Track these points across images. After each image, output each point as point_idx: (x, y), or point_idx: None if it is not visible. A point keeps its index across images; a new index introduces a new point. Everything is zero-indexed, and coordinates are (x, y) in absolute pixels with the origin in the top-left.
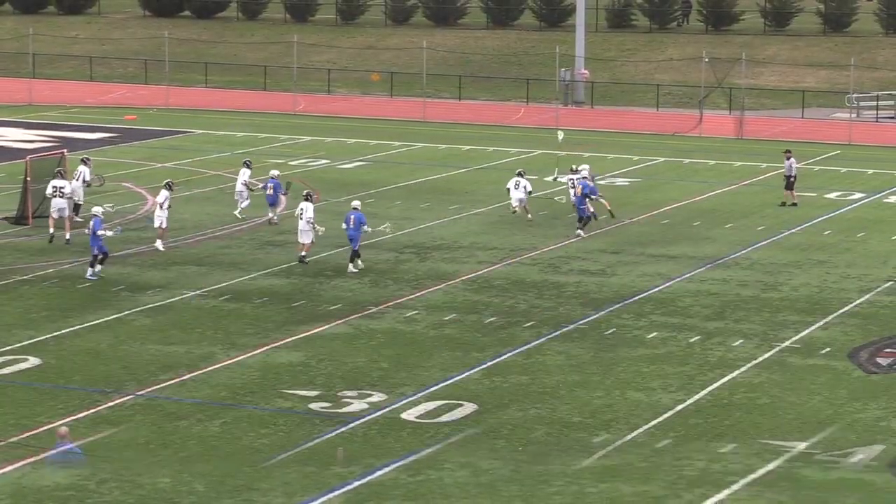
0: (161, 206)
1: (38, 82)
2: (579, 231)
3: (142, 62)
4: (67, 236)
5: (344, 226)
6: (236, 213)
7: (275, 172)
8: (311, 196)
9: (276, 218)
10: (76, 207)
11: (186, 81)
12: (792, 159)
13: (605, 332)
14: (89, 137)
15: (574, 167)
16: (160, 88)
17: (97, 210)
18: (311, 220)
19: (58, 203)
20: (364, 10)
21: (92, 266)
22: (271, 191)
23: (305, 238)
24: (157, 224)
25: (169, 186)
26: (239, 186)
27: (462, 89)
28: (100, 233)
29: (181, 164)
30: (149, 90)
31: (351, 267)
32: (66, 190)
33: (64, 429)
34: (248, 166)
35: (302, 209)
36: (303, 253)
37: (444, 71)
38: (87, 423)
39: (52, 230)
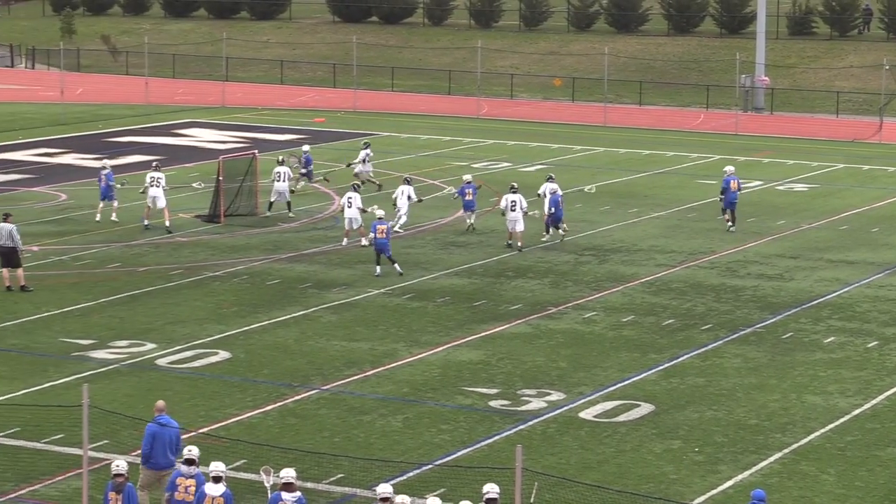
0: (349, 206)
1: (231, 85)
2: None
3: (330, 66)
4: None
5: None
6: (397, 227)
7: (468, 177)
8: (515, 187)
9: (473, 224)
10: (271, 204)
11: (373, 85)
12: None
13: (783, 335)
14: (279, 139)
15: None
16: (348, 92)
17: (382, 213)
18: (525, 209)
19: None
20: (547, 17)
21: (378, 263)
22: (470, 195)
23: (519, 226)
24: (348, 226)
25: (355, 188)
26: (403, 202)
27: (643, 95)
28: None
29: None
30: (337, 93)
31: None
32: (163, 182)
33: (161, 402)
34: (408, 182)
35: (514, 201)
36: (518, 242)
37: (625, 77)
38: (275, 415)
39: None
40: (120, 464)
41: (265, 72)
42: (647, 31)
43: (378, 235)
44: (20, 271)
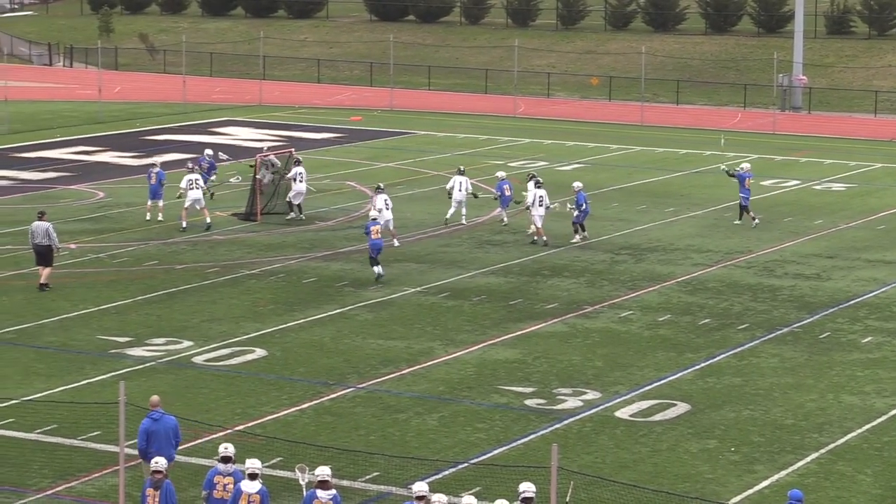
0: (385, 208)
1: (268, 84)
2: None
3: (367, 65)
4: (208, 220)
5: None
6: (463, 220)
7: (501, 174)
8: (537, 180)
9: (506, 219)
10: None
11: (410, 84)
12: None
13: (820, 335)
14: (316, 137)
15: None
16: (385, 91)
17: (376, 214)
18: (549, 206)
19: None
20: (584, 16)
21: (377, 265)
22: (508, 191)
23: (539, 222)
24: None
25: (380, 188)
26: (460, 194)
27: (680, 94)
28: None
29: (403, 164)
30: (374, 92)
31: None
32: (202, 182)
33: (156, 397)
34: (462, 173)
35: (540, 196)
36: (543, 238)
37: (663, 76)
38: (311, 413)
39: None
40: (159, 460)
41: (302, 70)
42: (684, 30)
43: (373, 236)
44: (48, 270)
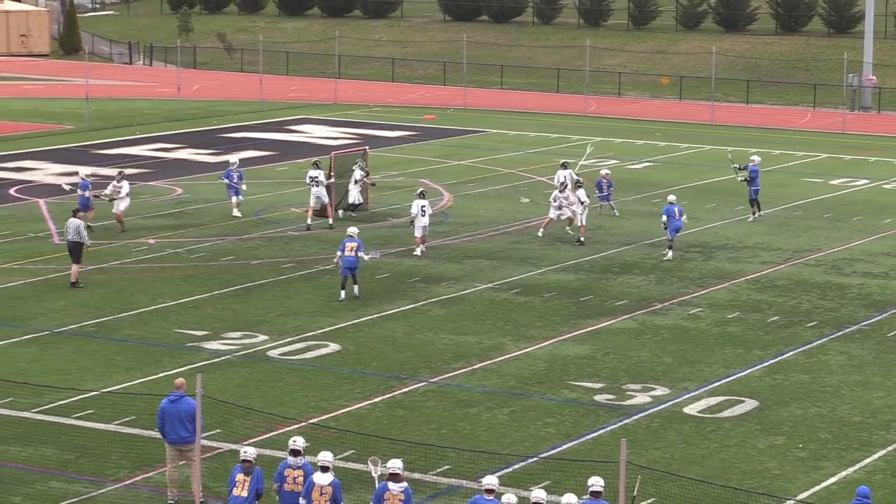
0: (421, 214)
1: (343, 82)
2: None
3: (441, 64)
4: (330, 221)
5: (340, 253)
6: (568, 230)
7: (605, 171)
8: (581, 182)
9: (617, 212)
10: (355, 206)
11: (483, 83)
12: None
13: (888, 333)
14: (390, 135)
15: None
16: (458, 89)
17: (354, 231)
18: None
19: (315, 191)
20: (655, 16)
21: (343, 288)
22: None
23: (583, 219)
24: (420, 234)
25: (422, 195)
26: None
27: (750, 93)
28: (360, 254)
29: (476, 162)
30: (447, 91)
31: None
32: (321, 179)
33: (180, 380)
34: (566, 167)
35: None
36: (581, 236)
37: (733, 75)
38: (383, 406)
39: (309, 220)
40: (248, 450)
41: (377, 69)
42: (754, 31)
43: (347, 253)
44: (76, 267)
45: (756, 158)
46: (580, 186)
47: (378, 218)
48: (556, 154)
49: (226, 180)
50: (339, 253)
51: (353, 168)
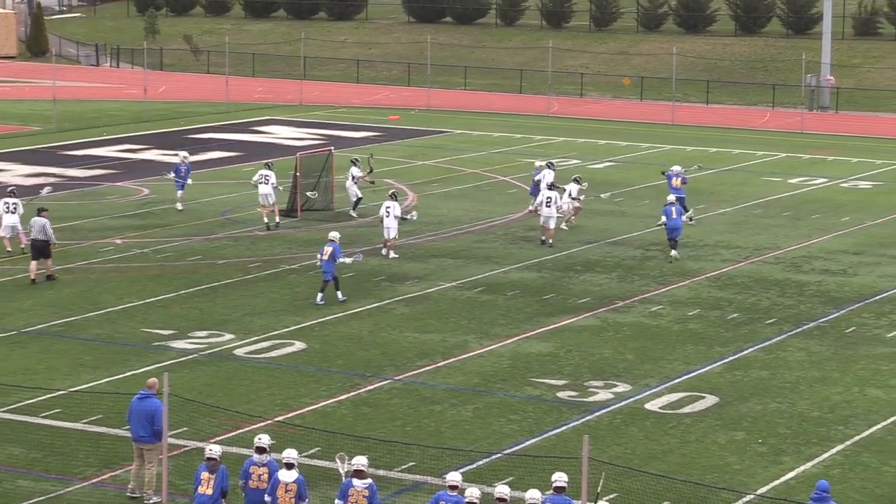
0: (386, 216)
1: (308, 84)
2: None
3: (405, 65)
4: (277, 220)
5: (319, 256)
6: (563, 225)
7: (541, 163)
8: (395, 195)
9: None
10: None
11: (447, 84)
12: None
13: (846, 330)
14: (355, 136)
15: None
16: (422, 90)
17: (335, 235)
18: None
19: (262, 189)
20: (616, 17)
21: (322, 291)
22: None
23: (552, 223)
24: (387, 236)
25: (393, 196)
26: (567, 201)
27: (710, 94)
28: (340, 260)
29: (440, 162)
30: (411, 92)
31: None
32: (273, 179)
33: (153, 380)
34: (550, 167)
35: (549, 198)
36: (550, 239)
37: (693, 76)
38: (349, 404)
39: (266, 220)
40: (213, 448)
41: (342, 71)
42: (714, 32)
43: (323, 257)
44: (48, 261)
45: (676, 168)
46: (555, 188)
47: (343, 217)
48: (519, 154)
49: (173, 175)
50: (319, 256)
51: (352, 168)
